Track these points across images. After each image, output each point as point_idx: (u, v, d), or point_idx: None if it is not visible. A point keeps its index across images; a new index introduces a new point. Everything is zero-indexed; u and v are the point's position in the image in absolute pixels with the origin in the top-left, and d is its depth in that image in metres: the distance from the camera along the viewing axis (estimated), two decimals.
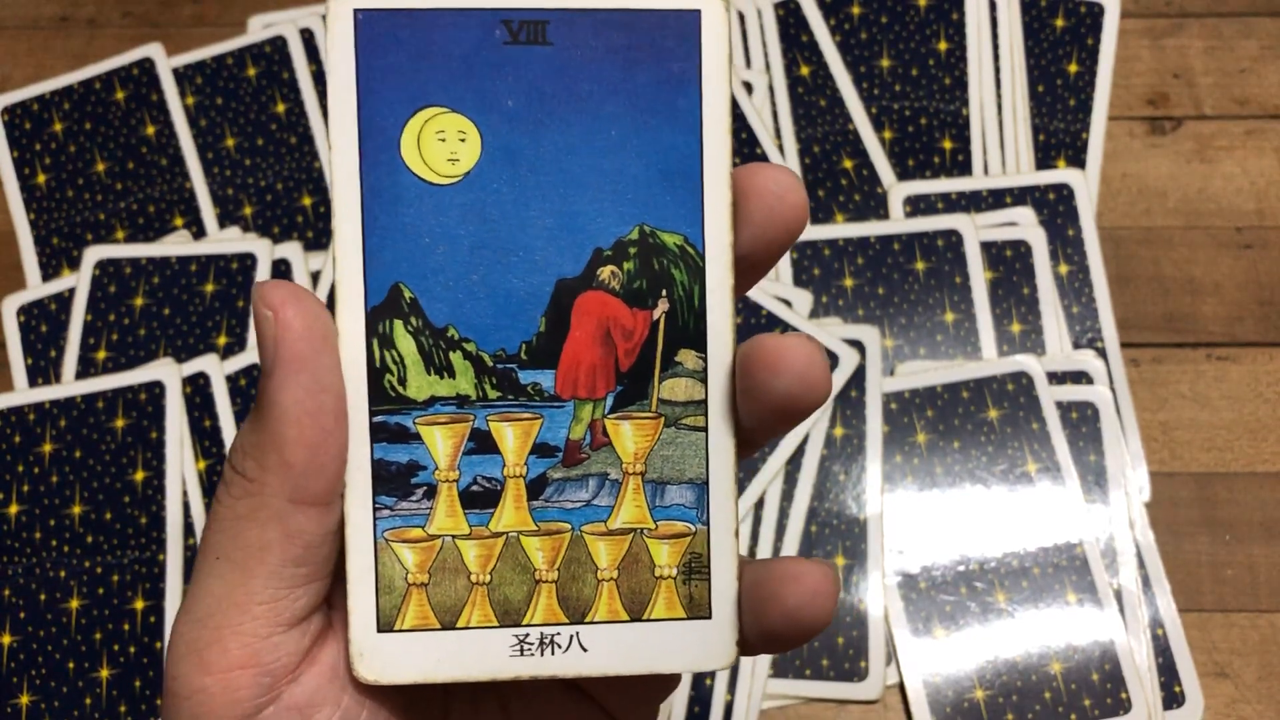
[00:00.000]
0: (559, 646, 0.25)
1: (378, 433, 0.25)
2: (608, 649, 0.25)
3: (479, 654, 0.25)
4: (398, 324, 0.25)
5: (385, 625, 0.25)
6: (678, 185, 0.25)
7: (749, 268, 0.26)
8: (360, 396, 0.25)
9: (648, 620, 0.25)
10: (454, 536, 0.25)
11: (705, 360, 0.25)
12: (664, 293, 0.25)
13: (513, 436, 0.25)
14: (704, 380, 0.25)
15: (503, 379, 0.25)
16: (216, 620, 0.24)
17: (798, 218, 0.25)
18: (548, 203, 0.25)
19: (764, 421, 0.25)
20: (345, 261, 0.25)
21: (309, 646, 0.25)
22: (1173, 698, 0.51)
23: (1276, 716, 0.51)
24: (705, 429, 0.25)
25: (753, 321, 0.56)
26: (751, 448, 0.27)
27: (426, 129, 0.25)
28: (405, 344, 0.25)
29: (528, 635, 0.25)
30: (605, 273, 0.25)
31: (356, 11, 0.24)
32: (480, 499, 0.25)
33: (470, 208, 0.25)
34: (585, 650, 0.25)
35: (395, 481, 0.25)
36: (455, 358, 0.25)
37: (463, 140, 0.25)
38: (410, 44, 0.24)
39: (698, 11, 0.25)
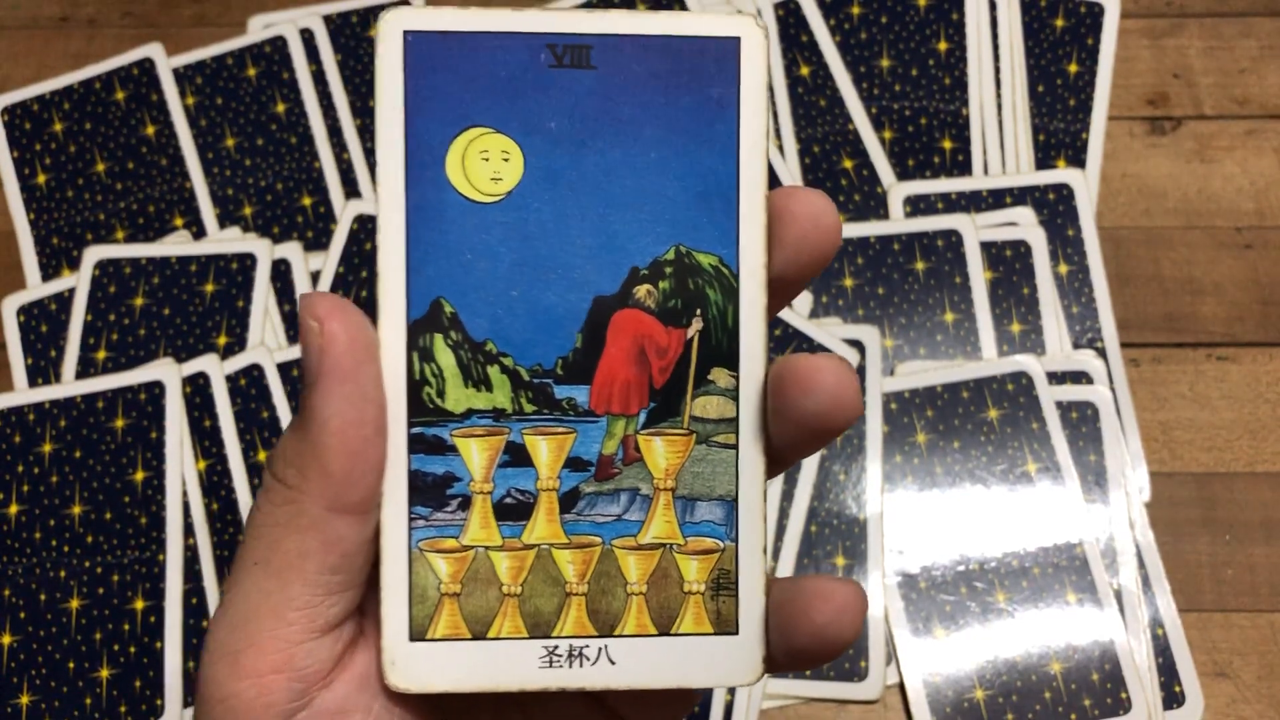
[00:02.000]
0: (587, 659, 0.26)
1: (415, 444, 0.25)
2: (635, 662, 0.26)
3: (509, 664, 0.25)
4: (438, 338, 0.26)
5: (417, 634, 0.25)
6: (714, 207, 0.25)
7: (781, 288, 0.26)
8: (399, 408, 0.25)
9: (675, 635, 0.26)
10: (487, 548, 0.26)
11: (737, 379, 0.26)
12: (698, 312, 0.26)
13: (547, 450, 0.26)
14: (736, 399, 0.26)
15: (538, 393, 0.26)
16: (252, 625, 0.24)
17: (831, 241, 0.25)
18: (587, 222, 0.25)
19: (794, 440, 0.26)
20: (388, 275, 0.25)
21: (341, 653, 0.25)
22: (1173, 698, 0.51)
23: (1276, 716, 0.51)
24: (736, 447, 0.26)
25: None
26: (781, 466, 0.27)
27: (471, 148, 0.25)
28: (444, 357, 0.26)
29: (557, 647, 0.25)
30: (641, 291, 0.25)
31: (406, 33, 0.25)
32: (513, 511, 0.26)
33: (511, 226, 0.25)
34: (613, 663, 0.26)
35: (431, 492, 0.25)
36: (493, 371, 0.26)
37: (506, 160, 0.25)
38: (457, 65, 0.25)
39: (737, 39, 0.25)
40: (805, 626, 0.25)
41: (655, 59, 0.25)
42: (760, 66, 0.25)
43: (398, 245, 0.25)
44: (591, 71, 0.25)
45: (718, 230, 0.25)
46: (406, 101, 0.25)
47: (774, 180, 0.59)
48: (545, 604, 0.26)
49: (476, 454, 0.26)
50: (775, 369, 0.25)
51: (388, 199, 0.25)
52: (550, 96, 0.25)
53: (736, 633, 0.26)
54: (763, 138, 0.25)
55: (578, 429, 0.26)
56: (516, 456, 0.26)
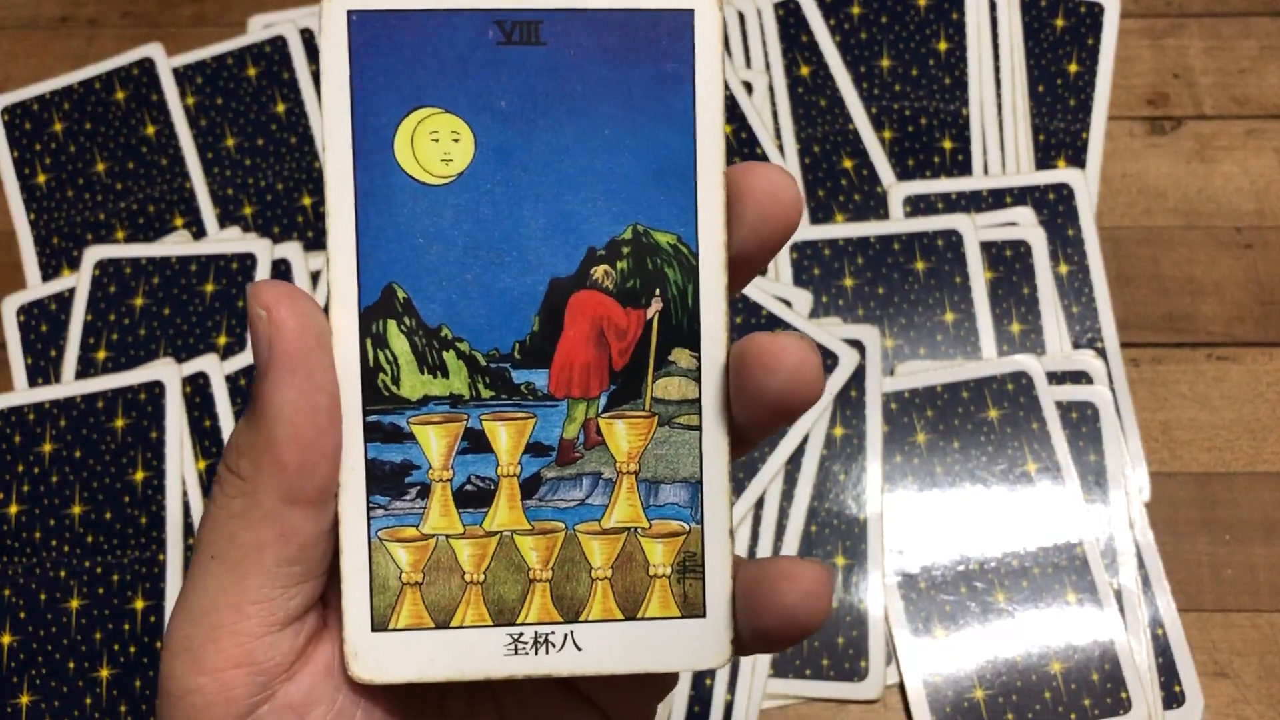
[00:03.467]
0: (553, 646, 0.25)
1: (371, 432, 0.25)
2: (602, 648, 0.25)
3: (473, 653, 0.25)
4: (391, 324, 0.25)
5: (380, 624, 0.25)
6: (671, 185, 0.25)
7: (743, 266, 0.26)
8: (354, 396, 0.25)
9: (642, 619, 0.25)
10: (448, 536, 0.25)
11: (699, 359, 0.25)
12: (658, 292, 0.25)
13: (506, 436, 0.25)
14: (698, 379, 0.25)
15: (496, 378, 0.25)
16: (211, 619, 0.24)
17: (791, 216, 0.25)
18: (541, 202, 0.25)
19: (757, 419, 0.25)
20: (339, 261, 0.25)
21: (304, 646, 0.25)
22: (1173, 698, 0.51)
23: (1276, 716, 0.51)
24: (699, 428, 0.25)
25: (753, 321, 0.56)
26: (746, 446, 0.27)
27: (420, 129, 0.25)
28: (399, 343, 0.25)
29: (522, 634, 0.25)
30: (599, 272, 0.25)
31: (350, 13, 0.24)
32: (474, 498, 0.25)
33: (464, 208, 0.25)
34: (579, 649, 0.25)
35: (389, 481, 0.25)
36: (449, 357, 0.25)
37: (456, 140, 0.25)
38: (404, 45, 0.24)
39: (691, 11, 0.25)
40: (773, 608, 0.25)
41: (607, 34, 0.25)
42: (715, 39, 0.25)
43: (348, 230, 0.25)
44: (541, 48, 0.25)
45: (676, 208, 0.25)
46: (353, 83, 0.24)
47: None
48: (509, 591, 0.25)
49: (435, 441, 0.25)
50: (737, 348, 0.25)
51: (336, 183, 0.24)
52: (500, 74, 0.24)
53: (704, 615, 0.25)
54: (719, 112, 0.25)
55: (537, 414, 0.25)
56: (475, 443, 0.25)
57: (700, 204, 0.25)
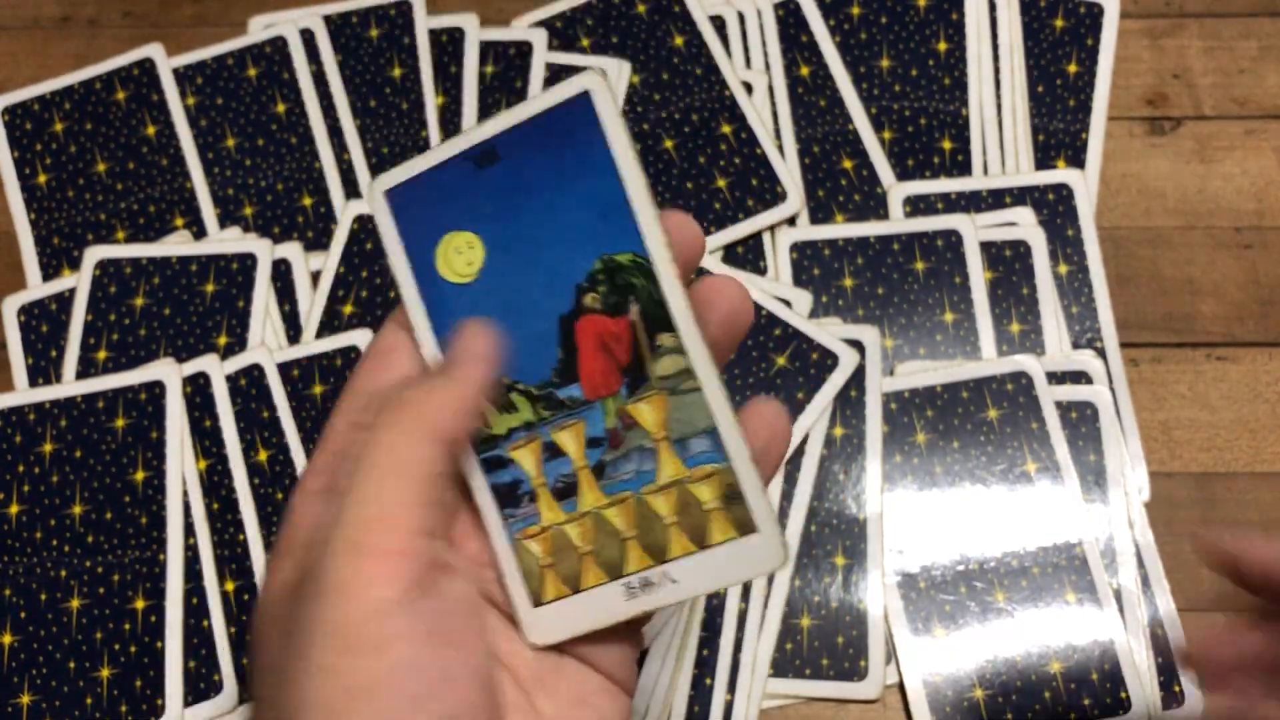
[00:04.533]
0: (655, 584, 0.32)
1: (487, 466, 0.33)
2: (691, 576, 0.32)
3: (604, 605, 0.32)
4: None
5: (536, 602, 0.33)
6: (617, 219, 0.32)
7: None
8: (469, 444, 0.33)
9: (713, 546, 0.31)
10: (558, 524, 0.33)
11: (679, 337, 0.32)
12: (631, 298, 0.32)
13: (570, 440, 0.33)
14: (683, 352, 0.32)
15: (548, 401, 0.33)
16: (374, 513, 0.29)
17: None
18: (537, 266, 0.33)
19: (715, 344, 0.32)
20: (426, 347, 0.34)
21: (452, 541, 0.32)
22: (1173, 698, 0.51)
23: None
24: (699, 389, 0.31)
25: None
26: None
27: (448, 247, 0.34)
28: None
29: (632, 582, 0.32)
30: (588, 299, 0.32)
31: (386, 192, 0.34)
32: (565, 492, 0.33)
33: (488, 291, 0.33)
34: (675, 582, 0.32)
35: (509, 496, 0.33)
36: (515, 397, 0.33)
37: (471, 248, 0.33)
38: (424, 195, 0.34)
39: (587, 91, 0.32)
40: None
41: (538, 132, 0.32)
42: (610, 102, 0.32)
43: (426, 326, 0.34)
44: (502, 162, 0.33)
45: (625, 234, 0.32)
46: (400, 232, 0.34)
47: (772, 178, 0.59)
48: (612, 553, 0.32)
49: (527, 459, 0.33)
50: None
51: (408, 295, 0.34)
52: (484, 191, 0.33)
53: (757, 530, 0.31)
54: (629, 149, 0.32)
55: (585, 417, 0.33)
56: (553, 452, 0.33)
57: (640, 225, 0.32)
